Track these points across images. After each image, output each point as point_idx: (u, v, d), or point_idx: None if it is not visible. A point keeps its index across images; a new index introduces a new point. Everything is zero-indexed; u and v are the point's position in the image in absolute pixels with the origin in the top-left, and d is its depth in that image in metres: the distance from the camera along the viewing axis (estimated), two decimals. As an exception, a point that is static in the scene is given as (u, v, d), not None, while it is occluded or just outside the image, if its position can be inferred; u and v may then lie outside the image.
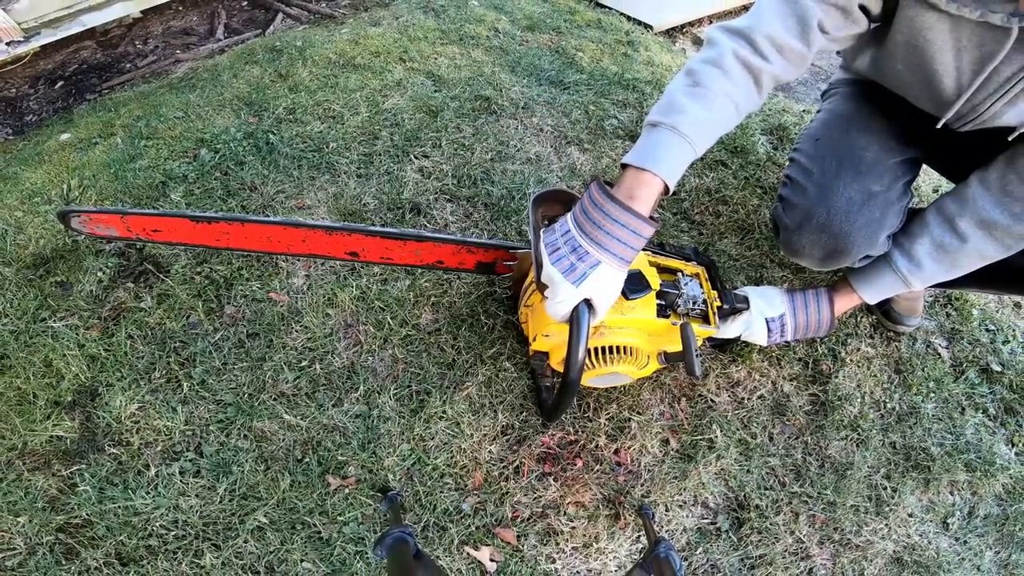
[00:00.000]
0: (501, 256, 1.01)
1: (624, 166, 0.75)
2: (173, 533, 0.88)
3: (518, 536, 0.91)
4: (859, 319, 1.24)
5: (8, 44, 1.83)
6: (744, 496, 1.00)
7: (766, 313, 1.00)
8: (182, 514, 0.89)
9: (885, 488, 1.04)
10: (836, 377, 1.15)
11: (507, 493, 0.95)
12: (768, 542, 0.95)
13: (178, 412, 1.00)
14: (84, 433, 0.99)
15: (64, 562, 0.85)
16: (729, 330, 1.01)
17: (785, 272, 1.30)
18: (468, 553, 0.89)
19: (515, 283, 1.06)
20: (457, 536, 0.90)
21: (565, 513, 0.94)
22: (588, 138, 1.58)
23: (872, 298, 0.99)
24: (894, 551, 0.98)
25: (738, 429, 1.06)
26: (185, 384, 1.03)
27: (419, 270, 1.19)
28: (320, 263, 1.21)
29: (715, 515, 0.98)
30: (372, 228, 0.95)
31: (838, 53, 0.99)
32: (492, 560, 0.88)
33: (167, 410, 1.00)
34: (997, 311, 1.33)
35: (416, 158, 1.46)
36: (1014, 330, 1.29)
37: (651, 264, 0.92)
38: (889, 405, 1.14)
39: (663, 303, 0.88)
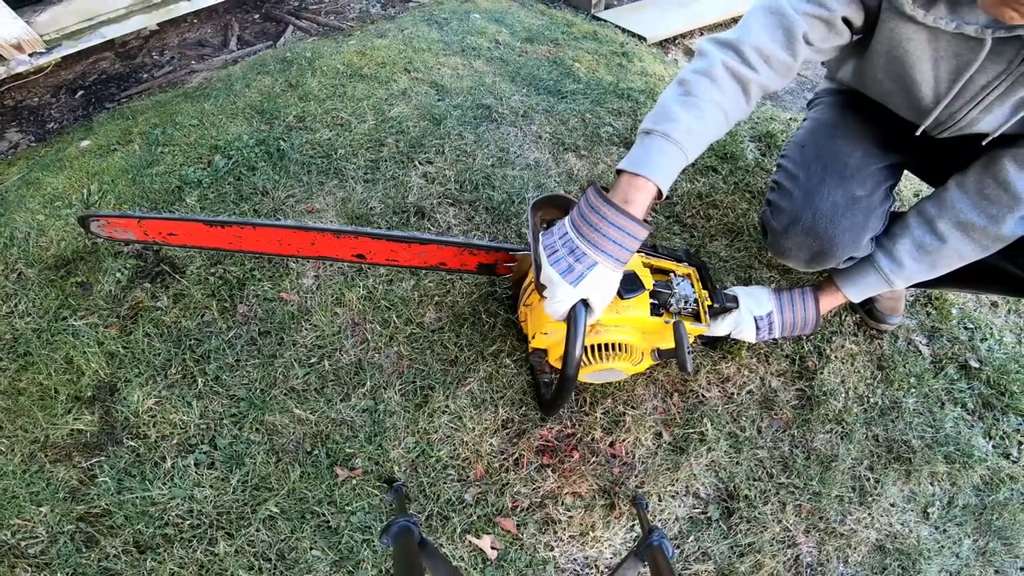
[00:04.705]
0: (501, 258, 1.01)
1: (619, 172, 0.75)
2: (188, 522, 0.88)
3: (518, 525, 0.91)
4: (843, 317, 1.24)
5: (31, 55, 1.83)
6: (734, 487, 1.00)
7: (755, 312, 1.00)
8: (197, 504, 0.89)
9: (868, 479, 1.04)
10: (821, 373, 1.15)
11: (507, 484, 0.95)
12: (756, 531, 0.95)
13: (193, 407, 1.00)
14: (103, 427, 0.99)
15: (84, 550, 0.85)
16: (719, 328, 1.01)
17: (773, 273, 1.30)
18: (470, 541, 0.89)
19: (515, 283, 1.06)
20: (459, 525, 0.90)
21: (563, 503, 0.94)
22: (585, 145, 1.58)
23: (856, 297, 0.99)
24: (877, 539, 0.98)
25: (728, 423, 1.07)
26: (200, 380, 1.03)
27: (423, 271, 1.19)
28: (328, 264, 1.21)
29: (706, 505, 0.98)
30: (378, 231, 0.96)
31: (823, 64, 0.99)
32: (493, 548, 0.89)
33: (183, 405, 1.00)
34: (975, 310, 1.33)
35: (420, 164, 1.46)
36: (991, 328, 1.29)
37: (645, 265, 0.92)
38: (872, 400, 1.14)
39: (656, 302, 0.88)
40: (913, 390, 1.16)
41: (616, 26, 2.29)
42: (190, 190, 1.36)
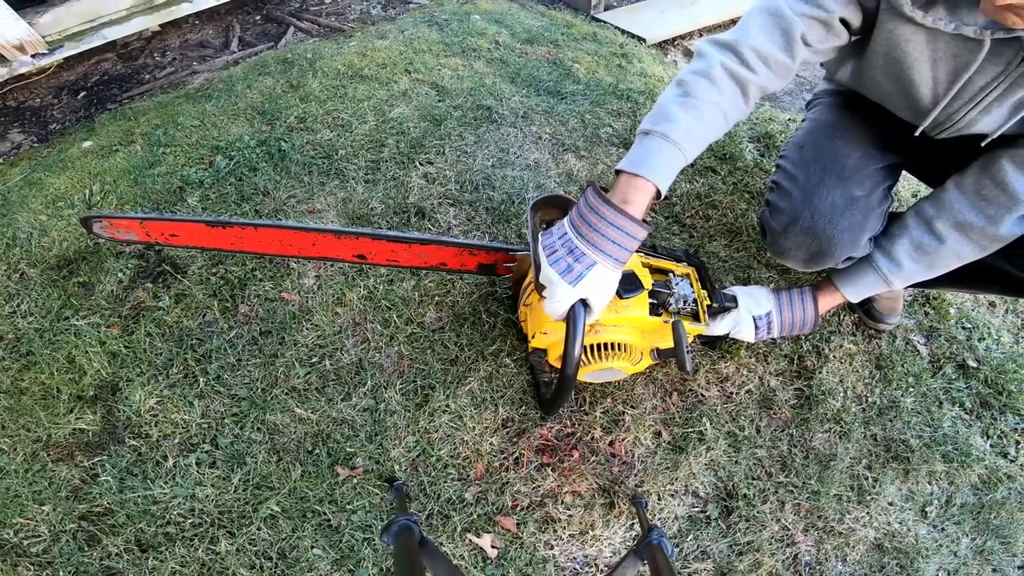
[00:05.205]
0: (501, 258, 1.01)
1: (618, 172, 0.75)
2: (190, 521, 0.88)
3: (518, 524, 0.91)
4: (842, 317, 1.24)
5: (33, 56, 1.83)
6: (733, 486, 1.00)
7: (753, 311, 1.00)
8: (198, 503, 0.89)
9: (867, 478, 1.04)
10: (820, 372, 1.15)
11: (507, 483, 0.95)
12: (755, 529, 0.95)
13: (195, 406, 1.00)
14: (105, 426, 0.99)
15: (86, 548, 0.85)
16: (718, 328, 1.01)
17: (772, 273, 1.30)
18: (470, 540, 0.89)
19: (515, 283, 1.06)
20: (460, 524, 0.90)
21: (562, 502, 0.94)
22: (584, 145, 1.58)
23: (854, 297, 0.99)
24: (875, 538, 0.98)
25: (727, 422, 1.06)
26: (201, 379, 1.03)
27: (423, 271, 1.19)
28: (329, 265, 1.21)
29: (705, 504, 0.98)
30: (379, 231, 0.96)
31: (821, 65, 0.99)
32: (493, 547, 0.89)
33: (184, 404, 1.00)
34: (973, 310, 1.33)
35: (421, 164, 1.46)
36: (989, 328, 1.29)
37: (644, 265, 0.92)
38: (870, 399, 1.14)
39: (655, 302, 0.88)
40: (911, 389, 1.16)
41: (615, 27, 2.29)
42: (192, 191, 1.36)
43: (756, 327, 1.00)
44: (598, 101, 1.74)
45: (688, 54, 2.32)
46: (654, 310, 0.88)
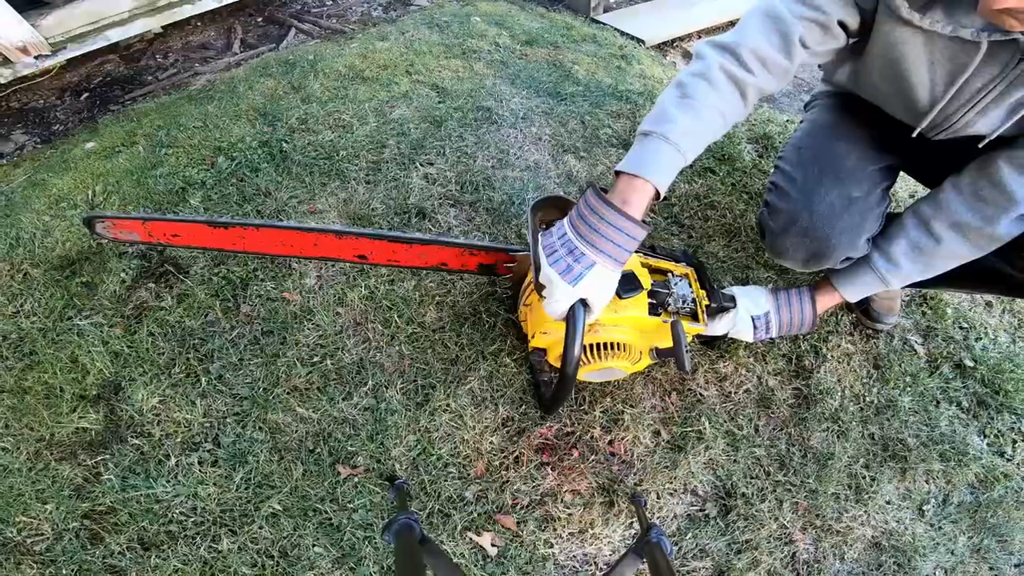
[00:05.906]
0: (501, 258, 1.01)
1: (618, 173, 0.75)
2: (192, 519, 0.88)
3: (518, 522, 0.91)
4: (840, 317, 1.24)
5: (36, 58, 1.83)
6: (731, 484, 1.00)
7: (752, 311, 1.00)
8: (200, 501, 0.89)
9: (864, 477, 1.04)
10: (818, 372, 1.15)
11: (507, 482, 0.95)
12: (754, 528, 0.95)
13: (197, 405, 1.00)
14: (108, 425, 0.99)
15: (89, 546, 0.85)
16: (717, 327, 1.01)
17: (770, 273, 1.30)
18: (471, 538, 0.89)
19: (515, 283, 1.06)
20: (460, 522, 0.90)
21: (562, 501, 0.94)
22: (584, 146, 1.58)
23: (852, 297, 0.99)
24: (873, 536, 0.98)
25: (725, 421, 1.06)
26: (203, 379, 1.03)
27: (424, 271, 1.19)
28: (331, 265, 1.21)
29: (704, 502, 0.98)
30: (380, 232, 0.96)
31: (820, 67, 0.99)
32: (493, 545, 0.89)
33: (187, 403, 1.00)
34: (970, 309, 1.33)
35: (421, 165, 1.46)
36: (986, 327, 1.29)
37: (643, 265, 0.92)
38: (868, 398, 1.14)
39: (655, 302, 0.88)
40: (908, 389, 1.16)
41: (615, 29, 2.29)
42: (194, 191, 1.36)
43: (754, 327, 1.00)
44: (598, 102, 1.74)
45: (687, 56, 2.32)
46: (653, 310, 0.88)
